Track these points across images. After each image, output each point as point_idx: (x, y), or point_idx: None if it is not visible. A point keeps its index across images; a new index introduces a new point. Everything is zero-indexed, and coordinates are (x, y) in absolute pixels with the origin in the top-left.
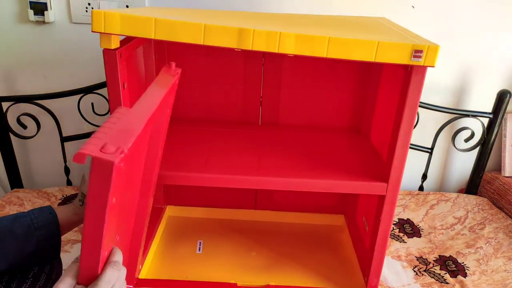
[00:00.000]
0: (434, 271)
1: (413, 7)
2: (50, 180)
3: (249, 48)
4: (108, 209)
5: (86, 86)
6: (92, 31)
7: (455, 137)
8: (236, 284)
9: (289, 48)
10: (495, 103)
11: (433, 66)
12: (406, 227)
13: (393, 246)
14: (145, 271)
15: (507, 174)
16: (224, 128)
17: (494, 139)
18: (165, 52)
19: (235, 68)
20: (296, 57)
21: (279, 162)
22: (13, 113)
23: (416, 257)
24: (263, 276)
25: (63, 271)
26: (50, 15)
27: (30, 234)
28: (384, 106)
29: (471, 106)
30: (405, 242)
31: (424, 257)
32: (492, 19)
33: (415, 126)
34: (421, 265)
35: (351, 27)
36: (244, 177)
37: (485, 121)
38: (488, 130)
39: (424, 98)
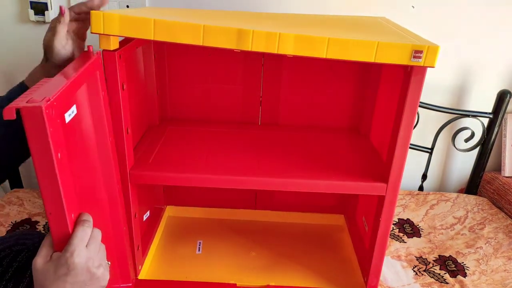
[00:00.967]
0: (434, 271)
1: (413, 7)
2: None
3: (249, 49)
4: (56, 163)
5: None
6: (91, 33)
7: (455, 137)
8: (235, 284)
9: (289, 48)
10: (495, 103)
11: (433, 67)
12: (406, 227)
13: (393, 246)
14: (145, 272)
15: (507, 174)
16: (224, 128)
17: (494, 139)
18: (164, 51)
19: (234, 68)
20: (296, 57)
21: (279, 163)
22: None
23: (416, 257)
24: (263, 276)
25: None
26: (50, 15)
27: None
28: (384, 106)
29: (471, 106)
30: (405, 242)
31: (424, 257)
32: (492, 19)
33: (415, 126)
34: (421, 265)
35: (350, 27)
36: (244, 178)
37: (485, 121)
38: (488, 130)
39: (424, 98)
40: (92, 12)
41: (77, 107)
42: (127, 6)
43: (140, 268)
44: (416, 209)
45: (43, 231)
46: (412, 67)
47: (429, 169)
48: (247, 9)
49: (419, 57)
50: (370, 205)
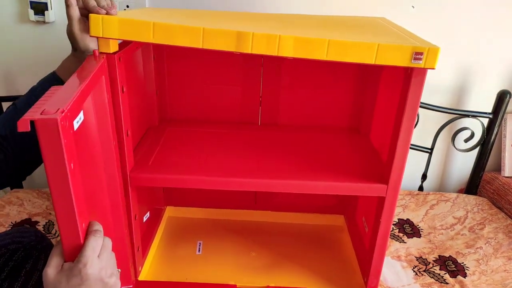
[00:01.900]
0: (433, 271)
1: (413, 7)
2: None
3: (248, 51)
4: (70, 174)
5: None
6: (90, 36)
7: (455, 137)
8: (235, 285)
9: (289, 51)
10: (495, 103)
11: (433, 68)
12: (406, 227)
13: (393, 246)
14: (145, 273)
15: (507, 174)
16: (224, 129)
17: (494, 139)
18: (163, 53)
19: (234, 69)
20: (295, 58)
21: (279, 164)
22: None
23: (415, 257)
24: (263, 276)
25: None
26: (50, 15)
27: None
28: (384, 107)
29: (471, 106)
30: (405, 242)
31: (423, 257)
32: (492, 19)
33: (415, 126)
34: (421, 265)
35: (350, 28)
36: (243, 180)
37: (485, 121)
38: (488, 130)
39: (424, 98)
40: (91, 15)
41: (83, 113)
42: (127, 6)
43: (140, 269)
44: (416, 209)
45: (43, 231)
46: (412, 68)
47: (429, 169)
48: (247, 9)
49: (420, 59)
50: (370, 206)
